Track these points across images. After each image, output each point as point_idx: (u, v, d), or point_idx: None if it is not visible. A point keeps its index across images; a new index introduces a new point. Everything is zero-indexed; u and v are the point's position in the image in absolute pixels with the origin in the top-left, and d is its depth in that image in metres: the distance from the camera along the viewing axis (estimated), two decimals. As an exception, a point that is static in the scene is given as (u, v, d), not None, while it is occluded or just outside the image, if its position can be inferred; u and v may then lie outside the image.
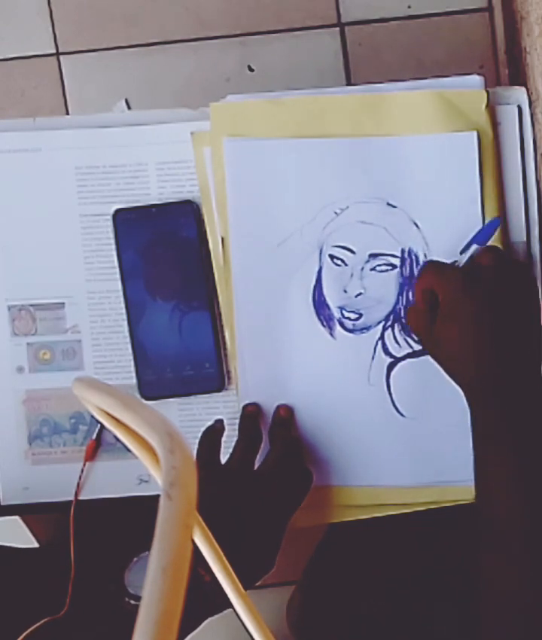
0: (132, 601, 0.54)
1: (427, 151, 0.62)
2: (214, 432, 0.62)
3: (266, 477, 0.59)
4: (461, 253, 0.60)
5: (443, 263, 0.60)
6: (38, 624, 0.54)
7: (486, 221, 0.61)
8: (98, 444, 0.65)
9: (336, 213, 0.63)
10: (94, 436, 0.65)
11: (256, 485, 0.58)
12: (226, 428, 0.63)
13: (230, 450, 0.62)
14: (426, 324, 0.58)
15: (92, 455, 0.65)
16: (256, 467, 0.60)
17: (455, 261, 0.60)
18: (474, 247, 0.58)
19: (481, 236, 0.59)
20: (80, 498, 0.65)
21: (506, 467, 0.53)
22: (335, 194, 0.63)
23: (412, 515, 0.64)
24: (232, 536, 0.52)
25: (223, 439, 0.62)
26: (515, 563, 0.52)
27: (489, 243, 0.59)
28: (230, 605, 0.52)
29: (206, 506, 0.55)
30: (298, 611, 0.75)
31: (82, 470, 0.65)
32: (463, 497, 0.63)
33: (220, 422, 0.63)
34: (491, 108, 0.62)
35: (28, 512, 0.67)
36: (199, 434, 0.62)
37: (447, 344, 0.57)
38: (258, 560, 0.56)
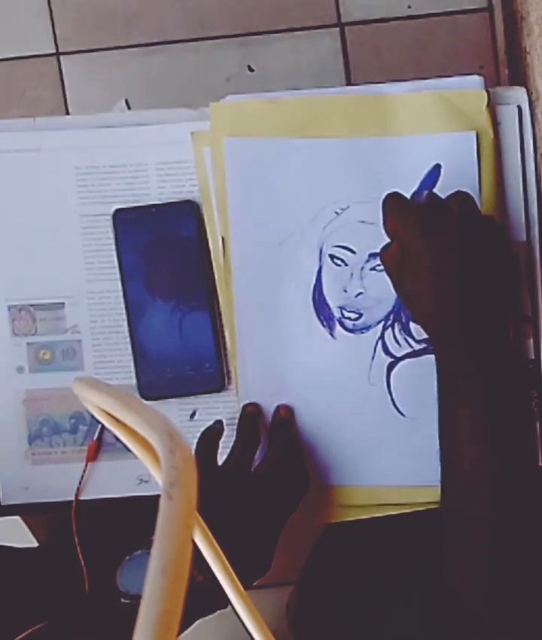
0: (124, 600, 0.54)
1: (427, 151, 0.62)
2: (212, 433, 0.62)
3: (263, 479, 0.59)
4: (414, 194, 0.58)
5: (401, 199, 0.57)
6: (30, 630, 0.54)
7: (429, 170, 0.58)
8: (100, 445, 0.65)
9: (336, 213, 0.63)
10: (96, 436, 0.65)
11: (252, 487, 0.58)
12: (226, 428, 0.63)
13: (229, 450, 0.62)
14: (397, 268, 0.57)
15: (93, 455, 0.65)
16: (254, 468, 0.60)
17: (415, 195, 0.58)
18: (424, 192, 0.57)
19: (426, 183, 0.57)
20: (80, 498, 0.65)
21: (471, 409, 0.53)
22: (335, 194, 0.63)
23: (412, 515, 0.64)
24: (227, 538, 0.52)
25: (222, 439, 0.62)
26: (477, 505, 0.52)
27: (462, 190, 0.58)
28: (223, 606, 0.52)
29: (202, 508, 0.55)
30: (296, 610, 0.75)
31: (84, 471, 0.65)
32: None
33: (219, 423, 0.62)
34: (492, 108, 0.62)
35: (28, 512, 0.67)
36: (198, 434, 0.62)
37: (411, 290, 0.56)
38: (253, 563, 0.55)
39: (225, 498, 0.56)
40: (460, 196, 0.57)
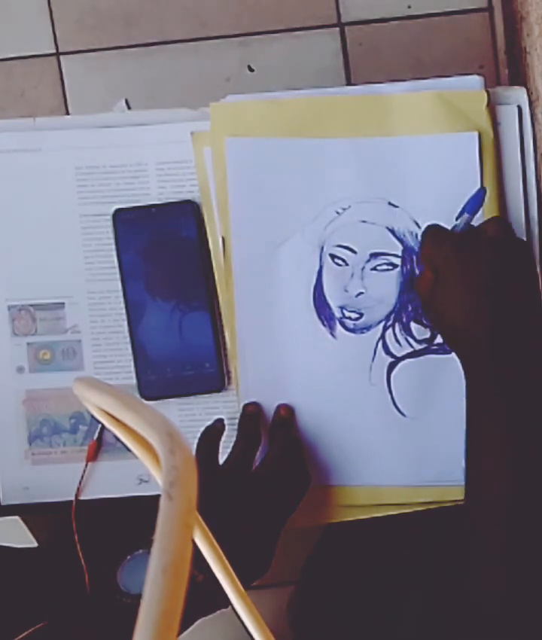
0: (125, 599, 0.55)
1: (429, 151, 0.62)
2: (213, 432, 0.62)
3: (263, 479, 0.59)
4: (457, 219, 0.60)
5: (440, 230, 0.60)
6: (31, 629, 0.54)
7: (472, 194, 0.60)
8: (100, 445, 0.65)
9: (337, 212, 0.63)
10: (96, 436, 0.65)
11: (252, 486, 0.58)
12: (226, 428, 0.63)
13: (229, 450, 0.62)
14: (431, 293, 0.58)
15: (93, 455, 0.65)
16: (254, 467, 0.60)
17: (455, 225, 0.60)
18: (465, 216, 0.59)
19: (471, 205, 0.59)
20: (80, 498, 0.65)
21: (498, 437, 0.53)
22: (337, 194, 0.63)
23: (412, 515, 0.64)
24: (227, 538, 0.52)
25: (223, 439, 0.62)
26: (500, 521, 0.52)
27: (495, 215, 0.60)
28: (223, 605, 0.52)
29: (202, 507, 0.55)
30: (297, 610, 0.75)
31: (84, 471, 0.65)
32: (463, 497, 0.63)
33: (220, 421, 0.62)
34: (492, 108, 0.62)
35: (29, 512, 0.67)
36: (198, 434, 0.62)
37: (444, 313, 0.57)
38: (253, 562, 0.55)
39: (225, 498, 0.56)
40: (494, 221, 0.59)
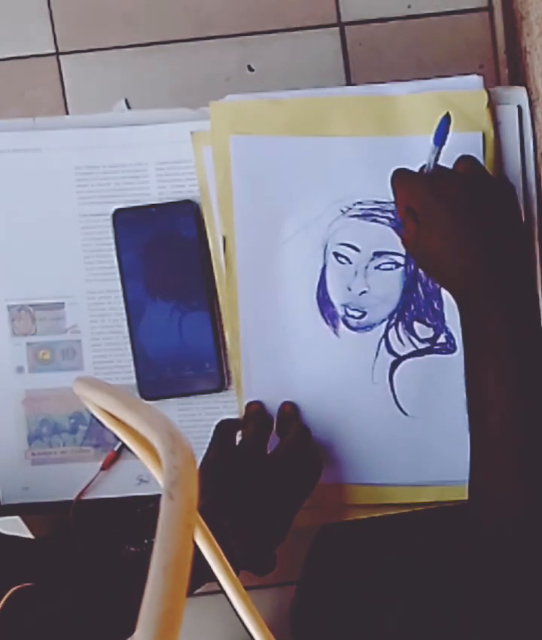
0: (133, 548, 0.53)
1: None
2: (230, 422, 0.62)
3: (279, 461, 0.59)
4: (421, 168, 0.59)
5: (409, 172, 0.59)
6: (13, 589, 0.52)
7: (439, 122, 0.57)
8: (118, 456, 0.65)
9: (342, 211, 0.63)
10: (116, 448, 0.65)
11: (269, 468, 0.58)
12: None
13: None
14: (416, 242, 0.57)
15: (109, 464, 0.65)
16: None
17: (424, 165, 0.58)
18: (434, 148, 0.57)
19: (438, 137, 0.57)
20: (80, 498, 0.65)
21: (498, 367, 0.52)
22: (341, 192, 0.63)
23: (412, 515, 0.64)
24: (243, 515, 0.52)
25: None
26: (505, 471, 0.51)
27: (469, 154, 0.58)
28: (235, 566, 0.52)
29: (220, 486, 0.55)
30: (297, 610, 0.75)
31: (94, 477, 0.65)
32: (464, 496, 0.63)
33: (236, 419, 0.63)
34: (492, 108, 0.62)
35: (29, 512, 0.67)
36: (198, 434, 0.63)
37: (432, 254, 0.56)
38: (271, 535, 0.56)
39: (244, 477, 0.57)
40: (463, 160, 0.58)
